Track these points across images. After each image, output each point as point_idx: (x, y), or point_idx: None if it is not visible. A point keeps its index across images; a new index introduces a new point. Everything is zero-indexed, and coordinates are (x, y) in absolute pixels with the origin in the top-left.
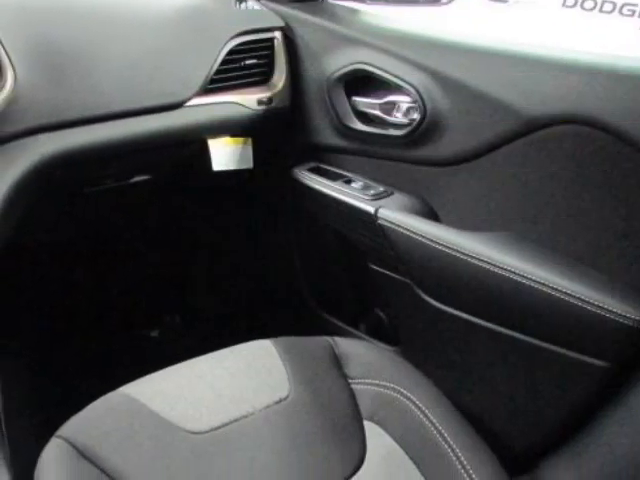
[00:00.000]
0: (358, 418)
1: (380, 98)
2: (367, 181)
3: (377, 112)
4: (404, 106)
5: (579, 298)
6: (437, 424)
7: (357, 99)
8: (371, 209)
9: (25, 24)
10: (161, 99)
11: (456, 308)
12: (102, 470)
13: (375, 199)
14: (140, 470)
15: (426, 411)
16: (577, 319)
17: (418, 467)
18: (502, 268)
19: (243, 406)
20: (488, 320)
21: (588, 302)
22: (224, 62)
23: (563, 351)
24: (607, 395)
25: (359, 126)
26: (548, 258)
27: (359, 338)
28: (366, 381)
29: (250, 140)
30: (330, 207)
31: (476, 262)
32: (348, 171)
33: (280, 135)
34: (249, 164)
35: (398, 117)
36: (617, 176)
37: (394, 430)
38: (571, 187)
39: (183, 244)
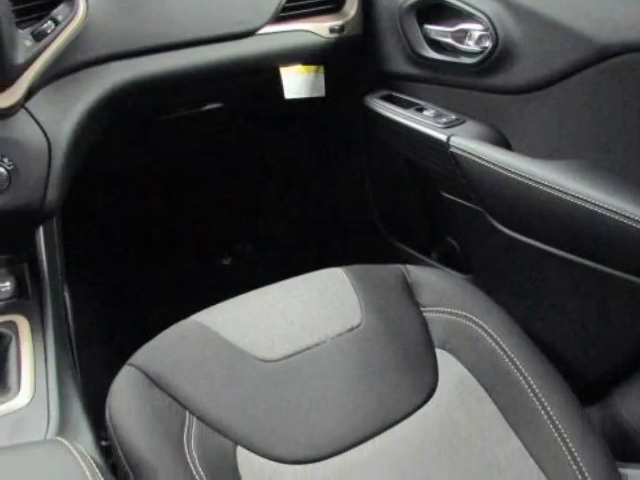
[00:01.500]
0: (430, 346)
1: (452, 26)
2: (439, 109)
3: (449, 40)
4: (476, 34)
5: None
6: (509, 352)
7: (429, 27)
8: (443, 137)
9: None
10: (233, 27)
11: (528, 236)
12: (174, 398)
13: (447, 127)
14: (211, 398)
15: (498, 339)
16: None
17: (490, 394)
18: (574, 196)
19: (315, 334)
20: (560, 248)
21: None
22: None
23: (635, 279)
24: None
25: (431, 54)
26: (620, 186)
27: (431, 266)
28: (438, 309)
29: (322, 68)
30: (402, 135)
31: (548, 190)
32: (420, 99)
33: (352, 63)
34: (321, 92)
35: (470, 45)
36: None
37: (466, 358)
38: None
39: (255, 172)
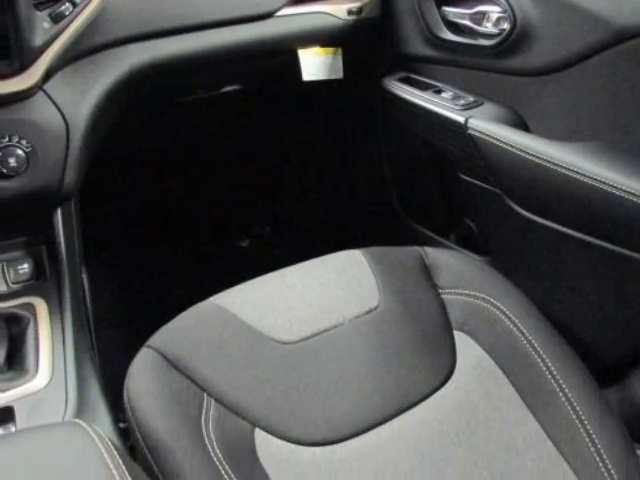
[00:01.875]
0: (448, 328)
1: (470, 8)
2: (457, 91)
3: (467, 22)
4: (494, 16)
5: None
6: (527, 334)
7: (447, 9)
8: (461, 119)
9: None
10: (251, 9)
11: (546, 218)
12: (192, 380)
13: (465, 109)
14: (229, 380)
15: (516, 321)
16: None
17: (508, 377)
18: (592, 178)
19: (333, 316)
20: (578, 230)
21: None
22: None
23: None
24: None
25: (449, 36)
26: (638, 168)
27: (449, 248)
28: (456, 291)
29: (340, 50)
30: (420, 117)
31: (566, 172)
32: (438, 81)
33: (370, 45)
34: (339, 74)
35: (488, 27)
36: None
37: (484, 340)
38: None
39: (273, 154)
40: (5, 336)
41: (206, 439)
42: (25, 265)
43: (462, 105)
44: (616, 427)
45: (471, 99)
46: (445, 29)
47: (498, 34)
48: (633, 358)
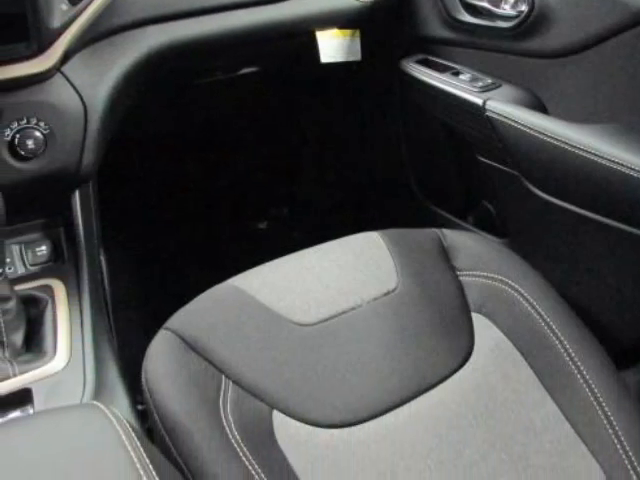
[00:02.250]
0: (466, 310)
1: None
2: (475, 73)
3: (485, 4)
4: None
5: None
6: (545, 316)
7: None
8: (479, 101)
9: None
10: None
11: (564, 200)
12: (210, 362)
13: (483, 91)
14: (247, 362)
15: (534, 303)
16: None
17: (526, 359)
18: (610, 160)
19: (351, 298)
20: (596, 212)
21: None
22: None
23: None
24: None
25: (467, 18)
26: None
27: (467, 230)
28: (474, 273)
29: (358, 32)
30: (438, 99)
31: (584, 154)
32: (456, 63)
33: (388, 27)
34: (357, 56)
35: (506, 9)
36: None
37: (502, 322)
38: None
39: (291, 136)
40: (23, 318)
41: (224, 421)
42: (43, 247)
43: (480, 87)
44: (634, 409)
45: (489, 81)
46: (463, 11)
47: (516, 16)
48: None
